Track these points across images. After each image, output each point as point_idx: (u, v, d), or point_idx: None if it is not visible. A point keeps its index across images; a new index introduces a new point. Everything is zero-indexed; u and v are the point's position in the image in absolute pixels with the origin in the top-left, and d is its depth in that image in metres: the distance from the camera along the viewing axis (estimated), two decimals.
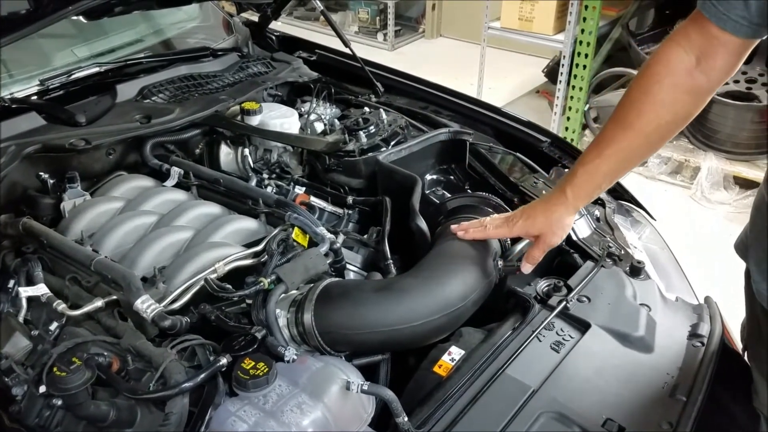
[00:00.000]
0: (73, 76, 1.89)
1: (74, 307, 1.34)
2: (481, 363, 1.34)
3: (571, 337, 1.42)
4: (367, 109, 2.13)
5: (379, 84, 2.30)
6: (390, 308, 1.28)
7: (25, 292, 1.33)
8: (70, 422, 1.21)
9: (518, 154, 2.01)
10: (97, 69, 1.96)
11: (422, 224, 1.59)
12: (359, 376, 1.22)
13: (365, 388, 1.15)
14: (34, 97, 1.82)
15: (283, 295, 1.35)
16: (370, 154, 1.89)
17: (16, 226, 1.51)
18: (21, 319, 1.36)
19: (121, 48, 2.16)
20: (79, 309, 1.32)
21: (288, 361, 1.22)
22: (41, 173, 1.68)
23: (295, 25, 6.70)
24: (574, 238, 1.71)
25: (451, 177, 2.03)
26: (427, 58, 6.37)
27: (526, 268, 1.44)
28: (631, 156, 1.29)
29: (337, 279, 1.41)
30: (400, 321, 1.28)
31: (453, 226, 1.47)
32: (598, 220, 1.82)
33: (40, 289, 1.33)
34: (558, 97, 4.36)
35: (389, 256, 1.55)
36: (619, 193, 1.97)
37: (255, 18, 2.52)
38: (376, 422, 1.21)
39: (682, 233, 3.60)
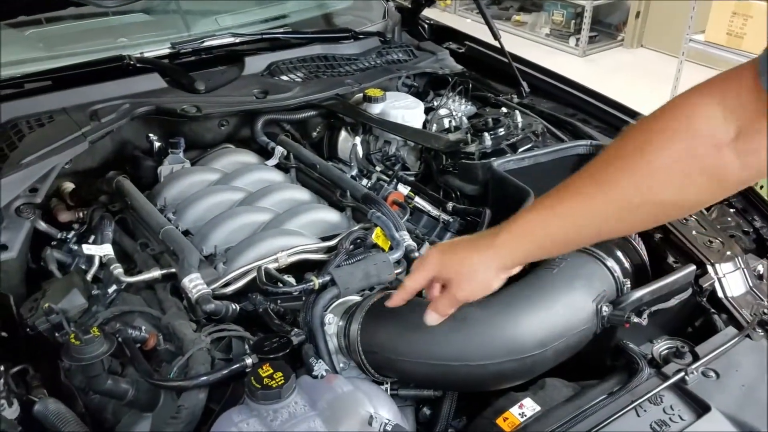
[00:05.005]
0: (205, 44, 1.89)
1: (134, 273, 1.31)
2: (556, 427, 1.09)
3: (681, 419, 1.12)
4: (504, 109, 1.90)
5: (525, 84, 2.06)
6: (444, 339, 1.08)
7: (87, 250, 1.31)
8: None
9: None
10: (231, 39, 1.95)
11: None
12: (391, 411, 1.04)
13: (388, 429, 0.96)
14: (166, 60, 1.84)
15: (341, 300, 1.21)
16: (492, 159, 1.67)
17: (111, 184, 1.52)
18: (90, 276, 1.34)
19: (264, 22, 2.14)
20: (135, 276, 1.28)
21: (316, 377, 1.07)
22: (151, 135, 1.69)
23: (479, 22, 6.49)
24: (721, 295, 1.38)
25: None
26: (620, 69, 5.85)
27: (429, 317, 1.03)
28: (596, 226, 0.90)
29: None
30: (454, 356, 1.07)
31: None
32: (760, 278, 1.45)
33: (104, 250, 1.31)
34: None
35: None
36: None
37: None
38: None
39: None
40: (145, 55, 1.81)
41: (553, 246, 0.97)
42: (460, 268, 0.99)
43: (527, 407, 1.15)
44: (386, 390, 1.15)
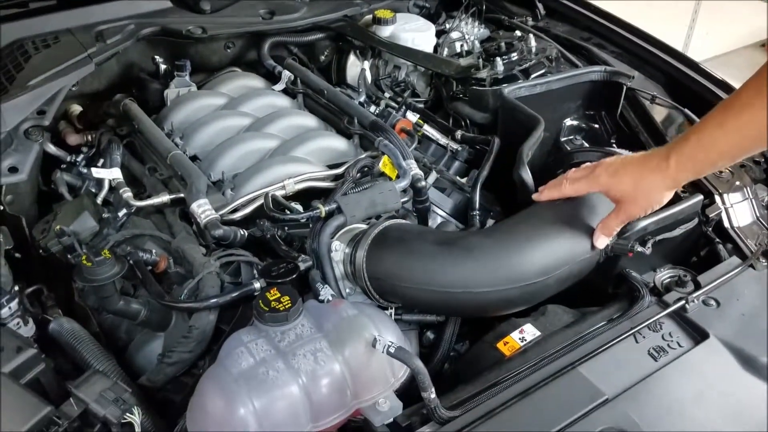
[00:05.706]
0: None
1: (143, 197, 1.32)
2: (554, 351, 1.12)
3: (679, 346, 1.15)
4: (517, 33, 1.85)
5: (540, 5, 2.00)
6: (447, 267, 1.09)
7: (97, 173, 1.32)
8: None
9: (688, 112, 1.64)
10: None
11: (526, 175, 1.34)
12: (395, 335, 1.06)
13: (391, 350, 0.99)
14: None
15: (347, 227, 1.22)
16: (503, 85, 1.64)
17: (118, 107, 1.51)
18: (101, 199, 1.36)
19: None
20: (144, 200, 1.29)
21: (322, 301, 1.10)
22: (157, 57, 1.67)
23: None
24: (727, 225, 1.38)
25: (597, 126, 1.73)
26: None
27: (600, 240, 1.14)
28: (763, 135, 0.94)
29: (400, 221, 1.24)
30: (457, 284, 1.09)
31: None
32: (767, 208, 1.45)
33: (113, 173, 1.32)
34: None
35: (477, 206, 1.35)
36: None
37: None
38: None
39: None
40: None
41: (721, 160, 1.04)
42: (633, 189, 1.07)
43: (527, 332, 1.18)
44: (390, 315, 1.18)
